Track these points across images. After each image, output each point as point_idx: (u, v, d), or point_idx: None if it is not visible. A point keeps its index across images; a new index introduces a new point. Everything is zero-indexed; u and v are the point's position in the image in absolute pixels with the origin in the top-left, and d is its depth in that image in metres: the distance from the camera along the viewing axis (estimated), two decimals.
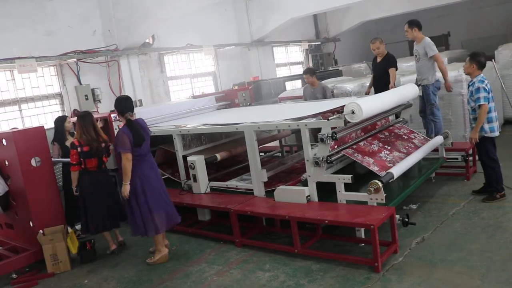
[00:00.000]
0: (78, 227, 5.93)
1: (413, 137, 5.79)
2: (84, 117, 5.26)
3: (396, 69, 6.77)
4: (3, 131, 6.16)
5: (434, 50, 6.32)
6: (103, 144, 5.27)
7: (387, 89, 6.32)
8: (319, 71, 13.14)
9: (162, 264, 4.88)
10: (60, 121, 6.27)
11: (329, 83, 8.62)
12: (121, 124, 5.23)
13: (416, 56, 6.55)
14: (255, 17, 11.84)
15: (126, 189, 4.68)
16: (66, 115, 7.24)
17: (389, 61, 6.74)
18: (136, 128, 4.74)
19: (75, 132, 5.57)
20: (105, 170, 5.40)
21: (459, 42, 14.76)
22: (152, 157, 5.08)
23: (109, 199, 5.27)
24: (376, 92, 6.67)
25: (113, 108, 6.36)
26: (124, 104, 4.83)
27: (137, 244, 5.58)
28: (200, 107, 7.78)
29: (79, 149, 5.08)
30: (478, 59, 5.16)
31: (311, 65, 14.16)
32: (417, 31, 6.42)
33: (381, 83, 6.71)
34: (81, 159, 5.12)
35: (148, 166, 4.85)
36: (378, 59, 6.92)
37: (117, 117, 5.08)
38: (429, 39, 6.41)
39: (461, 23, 14.98)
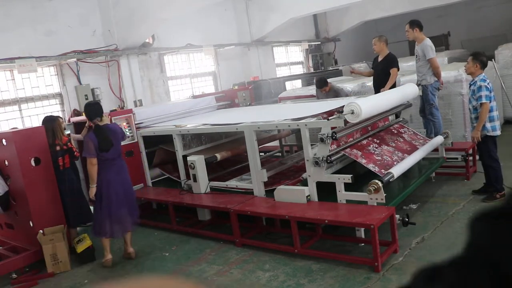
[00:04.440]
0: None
1: (402, 131, 5.79)
2: (44, 123, 5.55)
3: (398, 70, 6.71)
4: (3, 131, 6.16)
5: (431, 54, 6.29)
6: (58, 148, 5.47)
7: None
8: (319, 71, 13.14)
9: (163, 264, 4.88)
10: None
11: None
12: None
13: (416, 56, 6.55)
14: (255, 17, 11.83)
15: (92, 191, 4.86)
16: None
17: (390, 62, 6.66)
18: (103, 134, 4.80)
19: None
20: (64, 171, 5.52)
21: (459, 42, 14.74)
22: (123, 161, 5.14)
23: (65, 198, 5.48)
24: (376, 92, 6.65)
25: (113, 109, 6.40)
26: (92, 110, 4.94)
27: (136, 244, 5.57)
28: (200, 107, 7.77)
29: None
30: (480, 59, 5.17)
31: (311, 65, 14.15)
32: (418, 32, 6.40)
33: (379, 83, 6.68)
34: None
35: (115, 171, 4.91)
36: (379, 58, 6.88)
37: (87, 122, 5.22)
38: (429, 41, 6.38)
39: (461, 23, 14.96)
